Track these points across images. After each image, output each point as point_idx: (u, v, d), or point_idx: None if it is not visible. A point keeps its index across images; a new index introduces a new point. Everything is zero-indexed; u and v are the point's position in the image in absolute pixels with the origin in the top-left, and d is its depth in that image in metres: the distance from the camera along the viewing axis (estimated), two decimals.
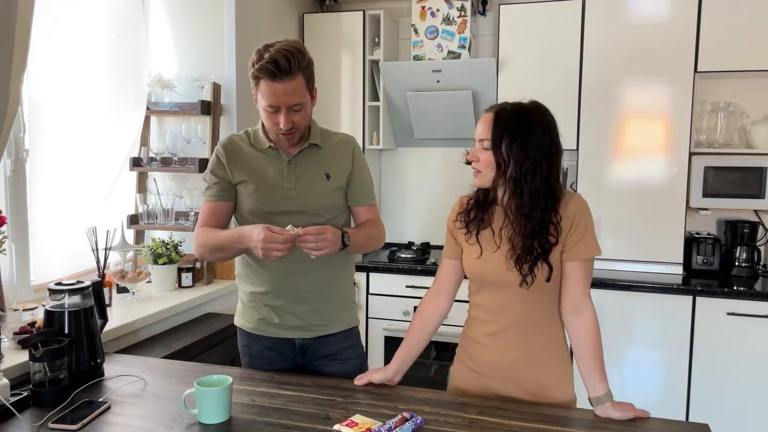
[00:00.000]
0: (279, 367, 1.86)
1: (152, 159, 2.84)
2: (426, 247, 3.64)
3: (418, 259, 3.43)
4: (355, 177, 1.87)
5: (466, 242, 1.63)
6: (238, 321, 1.94)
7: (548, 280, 1.53)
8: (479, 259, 1.59)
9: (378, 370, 1.71)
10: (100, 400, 1.58)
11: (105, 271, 2.36)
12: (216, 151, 1.86)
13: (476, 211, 1.63)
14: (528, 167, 1.50)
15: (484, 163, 1.55)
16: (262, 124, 1.83)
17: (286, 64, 1.64)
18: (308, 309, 1.83)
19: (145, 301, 2.52)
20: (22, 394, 1.57)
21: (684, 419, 2.88)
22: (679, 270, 3.09)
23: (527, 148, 1.50)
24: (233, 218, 1.90)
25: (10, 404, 1.51)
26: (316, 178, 1.81)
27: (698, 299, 2.89)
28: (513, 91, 3.21)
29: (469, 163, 1.66)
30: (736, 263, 3.16)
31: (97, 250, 2.32)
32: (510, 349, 1.59)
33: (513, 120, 1.52)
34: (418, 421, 1.44)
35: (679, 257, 3.08)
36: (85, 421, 1.46)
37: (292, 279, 1.82)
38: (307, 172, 1.81)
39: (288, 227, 1.64)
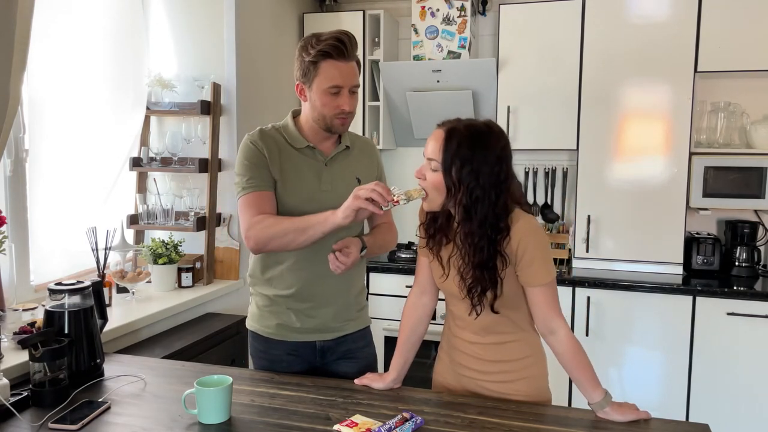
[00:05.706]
0: (298, 370, 1.85)
1: (152, 159, 2.84)
2: None
3: None
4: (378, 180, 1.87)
5: (429, 257, 1.62)
6: (252, 325, 1.89)
7: (492, 307, 1.50)
8: (442, 278, 1.59)
9: (377, 379, 1.70)
10: (100, 400, 1.58)
11: (105, 271, 2.35)
12: (252, 142, 1.77)
13: (434, 229, 1.57)
14: (478, 194, 1.42)
15: (432, 184, 1.47)
16: (294, 123, 1.81)
17: (349, 44, 1.69)
18: (330, 312, 1.83)
19: (145, 301, 2.52)
20: (22, 394, 1.57)
21: (684, 419, 2.88)
22: (679, 270, 3.09)
23: (478, 174, 1.42)
24: None
25: (10, 404, 1.51)
26: (349, 181, 1.80)
27: (698, 299, 2.89)
28: (513, 91, 3.19)
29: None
30: (736, 263, 3.17)
31: (97, 250, 2.32)
32: (484, 353, 1.60)
33: (465, 142, 1.43)
34: (418, 422, 1.44)
35: (679, 257, 3.08)
36: (85, 421, 1.46)
37: (317, 282, 1.81)
38: (341, 175, 1.82)
39: (393, 188, 1.55)
